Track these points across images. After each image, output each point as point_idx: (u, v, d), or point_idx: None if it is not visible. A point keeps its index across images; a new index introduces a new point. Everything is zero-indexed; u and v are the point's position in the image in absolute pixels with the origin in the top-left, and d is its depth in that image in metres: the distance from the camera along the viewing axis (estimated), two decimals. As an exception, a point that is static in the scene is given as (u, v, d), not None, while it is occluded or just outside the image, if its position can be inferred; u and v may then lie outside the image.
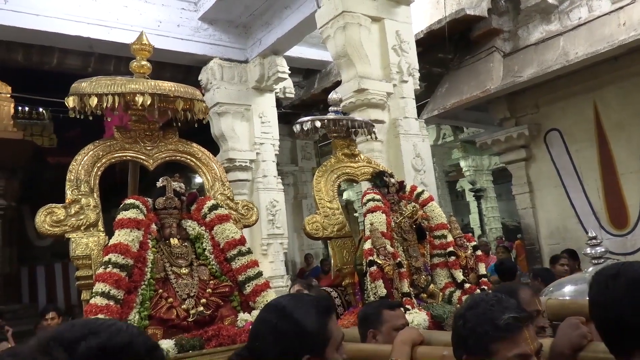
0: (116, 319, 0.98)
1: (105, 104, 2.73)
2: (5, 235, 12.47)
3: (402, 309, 2.67)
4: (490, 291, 3.40)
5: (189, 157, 3.13)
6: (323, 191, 3.66)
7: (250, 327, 1.63)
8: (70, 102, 2.74)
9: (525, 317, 1.49)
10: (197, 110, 2.98)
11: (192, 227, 2.81)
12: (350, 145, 3.97)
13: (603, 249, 3.43)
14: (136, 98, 2.74)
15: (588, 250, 3.43)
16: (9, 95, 12.09)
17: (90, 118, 2.84)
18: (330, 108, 3.96)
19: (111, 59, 7.98)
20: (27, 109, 15.32)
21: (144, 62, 2.97)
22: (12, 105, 12.41)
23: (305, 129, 3.75)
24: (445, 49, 8.07)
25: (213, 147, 7.76)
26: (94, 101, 2.69)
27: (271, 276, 7.68)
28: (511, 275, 5.55)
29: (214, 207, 2.87)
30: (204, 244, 2.81)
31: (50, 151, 15.14)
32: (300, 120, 3.80)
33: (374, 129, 4.11)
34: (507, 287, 3.19)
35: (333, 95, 4.05)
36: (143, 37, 3.02)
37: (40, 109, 15.61)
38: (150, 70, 3.01)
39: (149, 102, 2.76)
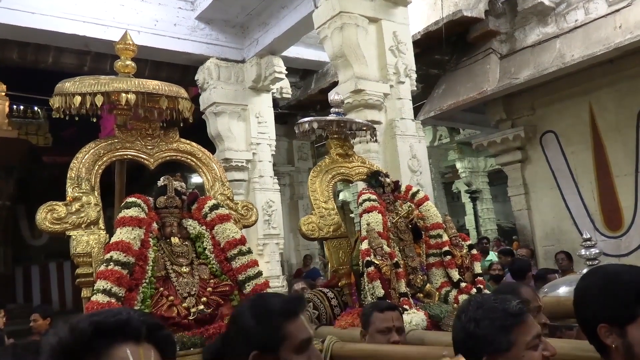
0: (131, 309, 1.04)
1: (88, 104, 2.71)
2: (0, 234, 12.42)
3: (392, 311, 2.57)
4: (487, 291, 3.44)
5: (189, 157, 3.13)
6: (318, 191, 3.65)
7: None
8: (55, 102, 2.73)
9: (528, 302, 1.66)
10: (182, 109, 2.98)
11: (192, 226, 2.81)
12: (344, 145, 3.95)
13: (597, 251, 3.48)
14: (120, 97, 2.74)
15: (583, 251, 3.47)
16: (3, 94, 12.09)
17: (76, 119, 2.81)
18: (331, 109, 3.94)
19: (107, 57, 7.93)
20: (22, 107, 15.34)
21: (128, 62, 2.95)
22: (7, 103, 12.44)
23: (305, 129, 3.75)
24: (442, 51, 8.11)
25: (209, 147, 7.74)
26: (77, 100, 2.67)
27: (267, 276, 7.60)
28: (522, 275, 5.35)
29: (215, 206, 2.87)
30: (204, 243, 2.80)
31: (45, 150, 15.14)
32: (301, 120, 3.79)
33: (375, 131, 4.11)
34: (509, 286, 3.21)
35: (335, 97, 4.03)
36: (127, 36, 3.00)
37: (36, 108, 15.63)
38: (135, 70, 2.98)
39: (133, 101, 2.75)
